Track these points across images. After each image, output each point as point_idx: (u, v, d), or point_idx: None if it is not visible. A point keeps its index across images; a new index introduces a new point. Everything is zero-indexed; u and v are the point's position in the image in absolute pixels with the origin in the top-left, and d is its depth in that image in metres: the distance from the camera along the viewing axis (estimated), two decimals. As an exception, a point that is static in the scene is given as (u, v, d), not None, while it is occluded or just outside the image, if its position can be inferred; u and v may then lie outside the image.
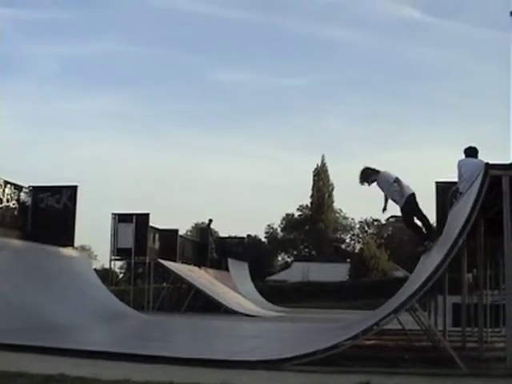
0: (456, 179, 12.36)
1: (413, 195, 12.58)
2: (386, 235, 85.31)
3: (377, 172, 13.05)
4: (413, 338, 12.51)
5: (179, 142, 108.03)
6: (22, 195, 17.29)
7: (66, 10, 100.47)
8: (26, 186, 17.72)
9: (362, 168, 13.40)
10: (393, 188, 12.75)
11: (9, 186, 16.62)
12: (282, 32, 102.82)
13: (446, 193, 14.29)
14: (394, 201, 12.87)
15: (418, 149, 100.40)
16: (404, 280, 15.80)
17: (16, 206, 16.94)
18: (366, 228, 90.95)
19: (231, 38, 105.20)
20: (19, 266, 14.49)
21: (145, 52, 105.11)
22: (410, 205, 12.61)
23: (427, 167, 79.23)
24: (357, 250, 77.79)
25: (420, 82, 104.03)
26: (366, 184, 13.12)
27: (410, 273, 18.42)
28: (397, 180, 12.54)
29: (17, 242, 15.97)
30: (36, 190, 17.92)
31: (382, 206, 13.33)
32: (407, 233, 79.23)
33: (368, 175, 13.10)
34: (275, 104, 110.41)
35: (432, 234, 12.69)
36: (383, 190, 13.02)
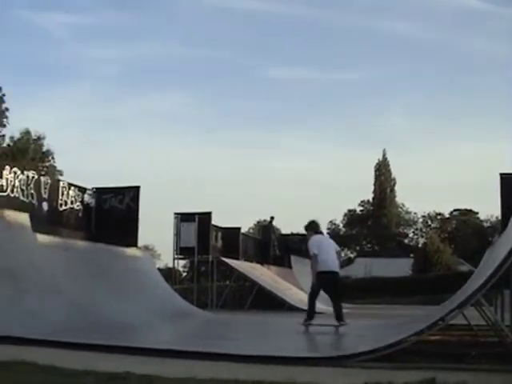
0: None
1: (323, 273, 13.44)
2: (449, 229, 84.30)
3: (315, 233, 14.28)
4: (479, 333, 12.32)
5: (239, 140, 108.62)
6: (86, 197, 17.58)
7: (121, 14, 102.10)
8: (90, 187, 18.00)
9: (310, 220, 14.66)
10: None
11: (73, 188, 16.90)
12: (336, 27, 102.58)
13: (510, 185, 14.06)
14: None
15: (482, 140, 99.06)
16: (469, 274, 15.58)
17: (80, 207, 17.23)
18: (429, 222, 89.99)
19: (284, 35, 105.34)
20: (84, 267, 14.72)
21: (198, 52, 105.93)
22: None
23: (491, 159, 78.01)
24: (420, 245, 77.02)
25: (481, 73, 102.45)
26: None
27: (475, 267, 18.17)
28: (314, 255, 13.47)
29: (81, 243, 16.23)
30: (99, 192, 18.20)
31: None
32: (472, 226, 78.42)
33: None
34: (333, 100, 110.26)
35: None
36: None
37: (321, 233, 14.79)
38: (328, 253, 13.64)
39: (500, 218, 16.31)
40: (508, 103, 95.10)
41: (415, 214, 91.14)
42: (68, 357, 7.72)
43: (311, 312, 14.01)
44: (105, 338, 9.84)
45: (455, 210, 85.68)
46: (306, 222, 14.77)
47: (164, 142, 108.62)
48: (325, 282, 13.55)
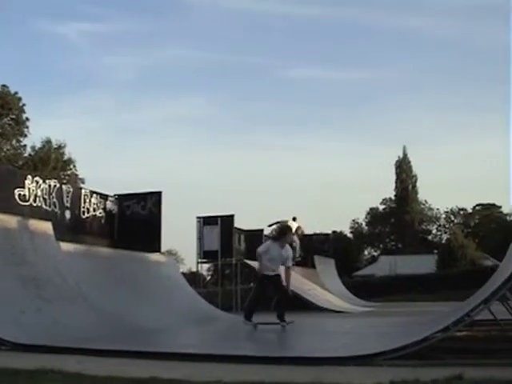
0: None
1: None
2: (473, 224, 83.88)
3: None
4: (505, 327, 12.24)
5: (261, 142, 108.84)
6: (108, 204, 17.63)
7: (137, 21, 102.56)
8: (112, 194, 18.07)
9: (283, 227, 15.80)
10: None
11: (95, 195, 16.98)
12: (356, 25, 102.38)
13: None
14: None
15: (504, 134, 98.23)
16: (494, 269, 15.49)
17: (103, 214, 17.29)
18: (452, 218, 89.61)
19: (303, 36, 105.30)
20: (108, 274, 14.80)
21: (215, 56, 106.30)
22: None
23: (513, 152, 77.37)
24: (444, 241, 76.76)
25: (504, 64, 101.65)
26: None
27: (500, 261, 18.04)
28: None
29: (105, 250, 16.30)
30: (121, 198, 18.25)
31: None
32: (495, 220, 77.91)
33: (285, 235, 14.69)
34: (353, 98, 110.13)
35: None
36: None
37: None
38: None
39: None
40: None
41: (438, 210, 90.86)
42: (94, 364, 7.75)
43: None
44: (131, 344, 9.88)
45: (478, 205, 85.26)
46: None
47: (185, 146, 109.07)
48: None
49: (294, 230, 27.04)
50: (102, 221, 17.29)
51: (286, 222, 25.44)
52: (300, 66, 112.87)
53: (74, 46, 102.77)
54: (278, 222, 26.52)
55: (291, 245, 28.00)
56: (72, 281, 13.15)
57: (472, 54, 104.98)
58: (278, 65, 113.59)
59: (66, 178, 54.57)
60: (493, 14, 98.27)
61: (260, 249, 14.32)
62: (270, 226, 26.95)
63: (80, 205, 16.20)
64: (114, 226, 17.79)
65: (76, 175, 59.27)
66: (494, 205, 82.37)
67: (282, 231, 14.82)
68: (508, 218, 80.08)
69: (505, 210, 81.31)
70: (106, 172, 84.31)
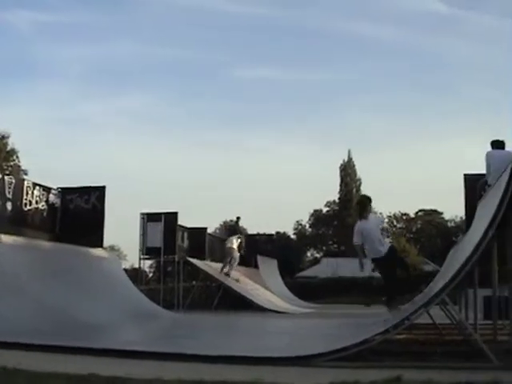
0: (484, 171, 12.28)
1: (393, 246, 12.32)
2: (414, 229, 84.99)
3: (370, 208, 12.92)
4: (443, 331, 12.44)
5: (205, 140, 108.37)
6: (51, 197, 17.39)
7: (88, 12, 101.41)
8: (55, 187, 17.83)
9: (360, 198, 13.21)
10: (378, 233, 12.48)
11: (37, 187, 16.73)
12: (301, 27, 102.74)
13: (474, 185, 14.20)
14: (371, 249, 12.22)
15: (446, 140, 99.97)
16: (434, 274, 15.70)
17: (45, 207, 17.05)
18: (395, 222, 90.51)
19: (250, 35, 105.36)
20: (49, 267, 14.58)
21: (167, 52, 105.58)
22: (394, 253, 12.39)
23: (455, 159, 78.98)
24: (386, 245, 77.45)
25: (445, 73, 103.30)
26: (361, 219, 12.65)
27: (440, 267, 18.32)
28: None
29: (46, 244, 16.09)
30: (64, 192, 18.02)
31: (359, 262, 12.72)
32: (436, 226, 79.07)
33: (365, 207, 12.79)
34: (298, 100, 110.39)
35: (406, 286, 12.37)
36: (367, 233, 12.35)
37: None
38: None
39: (464, 218, 16.46)
40: (472, 104, 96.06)
41: (381, 214, 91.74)
42: (32, 359, 7.63)
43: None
44: (69, 340, 9.76)
45: (420, 211, 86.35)
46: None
47: (130, 141, 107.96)
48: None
49: (235, 246, 27.39)
50: (44, 214, 17.05)
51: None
52: (249, 65, 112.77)
53: (20, 34, 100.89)
54: (237, 235, 27.21)
55: (230, 261, 28.24)
56: (12, 274, 12.95)
57: (419, 61, 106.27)
58: (227, 63, 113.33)
59: (9, 169, 53.64)
60: (439, 24, 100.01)
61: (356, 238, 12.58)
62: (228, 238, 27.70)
63: (22, 197, 15.94)
64: (57, 219, 17.56)
65: (19, 166, 58.33)
66: (435, 211, 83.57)
67: (362, 204, 13.00)
68: (449, 223, 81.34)
69: (446, 216, 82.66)
70: (49, 164, 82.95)
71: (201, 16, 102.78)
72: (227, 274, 27.47)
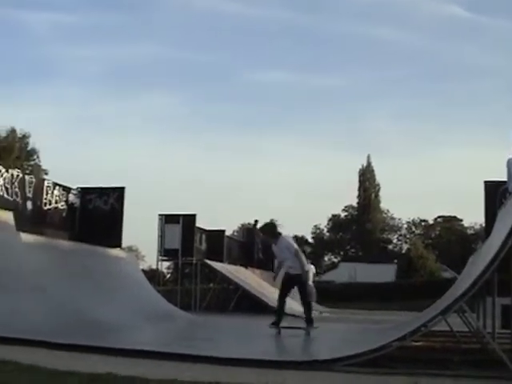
0: (505, 178, 12.20)
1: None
2: (433, 235, 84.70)
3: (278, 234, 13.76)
4: (461, 339, 12.36)
5: (225, 143, 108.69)
6: (71, 197, 17.48)
7: (107, 14, 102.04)
8: (74, 187, 17.92)
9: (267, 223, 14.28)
10: (286, 255, 13.36)
11: (57, 187, 16.82)
12: (322, 31, 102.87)
13: (495, 192, 14.13)
14: (284, 266, 13.44)
15: (466, 147, 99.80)
16: (452, 281, 15.65)
17: (65, 207, 17.14)
18: (414, 228, 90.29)
19: (270, 40, 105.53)
20: (67, 267, 14.65)
21: (185, 54, 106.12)
22: (303, 279, 13.42)
23: (476, 166, 78.58)
24: (404, 251, 77.36)
25: (466, 80, 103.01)
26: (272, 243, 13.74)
27: (459, 274, 18.21)
28: (297, 252, 13.17)
29: (65, 243, 16.16)
30: (84, 192, 18.11)
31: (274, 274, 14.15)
32: (455, 233, 78.71)
33: (271, 234, 13.92)
34: (319, 105, 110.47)
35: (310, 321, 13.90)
36: (278, 255, 13.84)
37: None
38: None
39: (484, 225, 16.38)
40: (492, 111, 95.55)
41: (399, 219, 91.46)
42: (51, 357, 7.68)
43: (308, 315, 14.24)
44: (87, 339, 9.80)
45: (439, 217, 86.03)
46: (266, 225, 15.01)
47: (151, 143, 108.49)
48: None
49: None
50: (64, 213, 17.14)
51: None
52: (267, 69, 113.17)
53: (39, 35, 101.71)
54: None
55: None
56: (31, 272, 13.02)
57: (439, 67, 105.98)
58: (245, 67, 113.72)
59: (29, 168, 53.99)
60: (458, 31, 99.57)
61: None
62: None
63: (42, 196, 16.04)
64: (76, 219, 17.65)
65: (39, 166, 58.72)
66: (454, 217, 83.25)
67: (267, 233, 14.63)
68: (468, 230, 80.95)
69: (465, 222, 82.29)
70: (69, 164, 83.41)
71: (218, 19, 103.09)
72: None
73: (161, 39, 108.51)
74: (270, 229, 14.44)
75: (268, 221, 15.12)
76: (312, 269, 22.61)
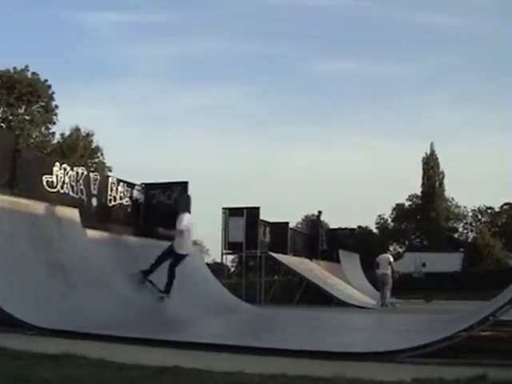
0: None
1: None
2: (500, 223, 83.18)
3: None
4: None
5: (288, 135, 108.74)
6: (135, 192, 17.67)
7: (169, 11, 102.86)
8: (138, 183, 18.11)
9: None
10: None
11: (121, 184, 17.02)
12: (384, 19, 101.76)
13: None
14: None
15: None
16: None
17: (129, 203, 17.34)
18: (479, 216, 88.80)
19: (331, 28, 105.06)
20: (133, 262, 14.83)
21: (247, 47, 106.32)
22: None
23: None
24: (470, 239, 76.20)
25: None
26: None
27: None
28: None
29: (130, 238, 16.35)
30: (148, 188, 18.27)
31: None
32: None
33: None
34: (381, 93, 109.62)
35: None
36: None
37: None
38: None
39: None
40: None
41: (465, 208, 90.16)
42: (118, 350, 7.80)
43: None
44: (154, 333, 9.94)
45: (506, 204, 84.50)
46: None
47: (213, 136, 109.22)
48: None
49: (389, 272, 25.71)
50: (128, 209, 17.34)
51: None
52: (328, 59, 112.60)
53: (102, 35, 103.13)
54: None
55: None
56: (97, 268, 13.23)
57: (500, 52, 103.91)
58: (305, 58, 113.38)
59: (94, 165, 54.84)
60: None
61: None
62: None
63: (107, 193, 16.26)
64: (140, 214, 17.83)
65: (103, 163, 59.60)
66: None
67: None
68: (536, 218, 79.43)
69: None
70: (133, 161, 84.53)
71: (279, 10, 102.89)
72: (387, 305, 25.21)
73: (223, 33, 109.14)
74: None
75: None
76: (390, 258, 22.51)
